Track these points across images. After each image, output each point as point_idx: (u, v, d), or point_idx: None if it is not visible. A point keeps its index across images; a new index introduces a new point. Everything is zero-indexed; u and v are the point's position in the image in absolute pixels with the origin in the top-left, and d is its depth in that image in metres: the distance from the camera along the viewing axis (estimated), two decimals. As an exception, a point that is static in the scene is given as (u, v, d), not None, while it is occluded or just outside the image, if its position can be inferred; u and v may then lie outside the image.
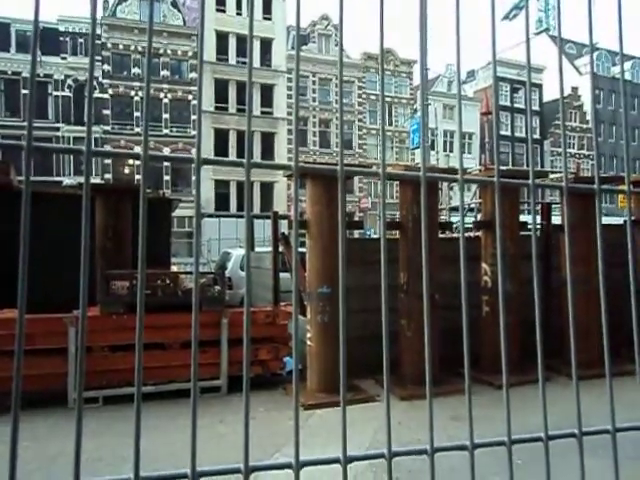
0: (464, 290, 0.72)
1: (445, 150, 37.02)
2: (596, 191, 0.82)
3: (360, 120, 36.43)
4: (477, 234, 8.29)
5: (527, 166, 38.18)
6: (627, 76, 42.47)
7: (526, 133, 40.35)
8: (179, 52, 32.02)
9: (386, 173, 0.65)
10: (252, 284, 10.22)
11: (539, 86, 40.72)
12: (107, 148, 28.42)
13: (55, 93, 30.08)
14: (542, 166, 40.09)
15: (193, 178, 31.50)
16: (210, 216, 29.21)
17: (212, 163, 0.71)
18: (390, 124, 37.77)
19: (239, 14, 33.06)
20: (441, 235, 7.73)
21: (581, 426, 0.77)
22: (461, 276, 0.75)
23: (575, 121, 42.50)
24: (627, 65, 43.21)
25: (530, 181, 0.76)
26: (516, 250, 6.79)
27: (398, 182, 8.37)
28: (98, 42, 30.98)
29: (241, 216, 21.51)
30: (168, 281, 6.32)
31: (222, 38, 32.45)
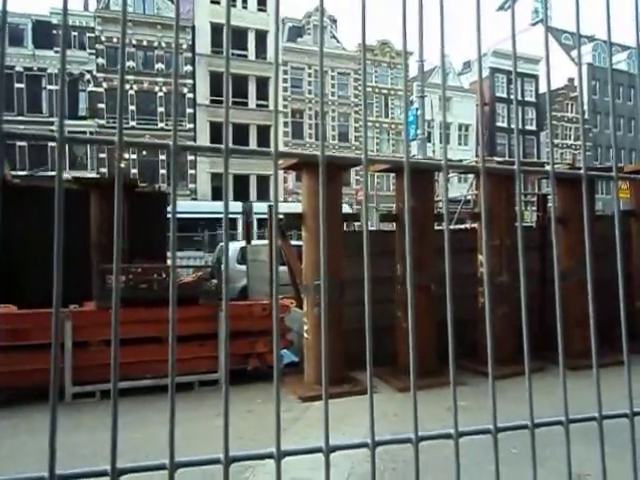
0: (449, 283, 0.71)
1: (442, 142, 36.96)
2: (583, 177, 0.81)
3: (356, 112, 36.33)
4: (473, 225, 8.30)
5: (523, 157, 38.21)
6: (624, 66, 42.44)
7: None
8: (173, 45, 31.77)
9: (368, 160, 0.64)
10: (249, 277, 10.20)
11: (535, 77, 40.64)
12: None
13: (49, 87, 29.89)
14: (539, 157, 40.09)
15: (190, 171, 31.42)
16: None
17: (188, 149, 0.70)
18: (386, 116, 37.68)
19: (234, 6, 32.82)
20: (438, 227, 7.73)
21: (567, 414, 0.77)
22: (446, 267, 0.74)
23: (572, 112, 42.46)
24: (624, 55, 43.15)
25: (515, 167, 0.75)
26: (512, 241, 6.80)
27: (395, 174, 8.35)
28: (92, 35, 30.76)
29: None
30: (164, 275, 6.31)
31: (217, 30, 32.23)
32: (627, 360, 0.82)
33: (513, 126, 39.84)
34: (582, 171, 0.83)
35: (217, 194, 31.32)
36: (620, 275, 0.85)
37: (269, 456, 0.63)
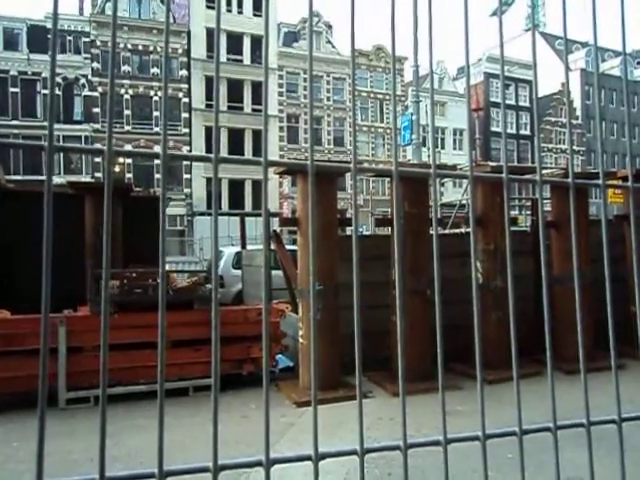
0: (438, 288, 0.72)
1: (437, 147, 37.10)
2: (570, 185, 0.82)
3: (351, 117, 36.46)
4: (468, 230, 8.33)
5: (517, 162, 38.35)
6: (618, 72, 42.77)
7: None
8: (169, 49, 31.81)
9: (357, 168, 0.65)
10: (244, 282, 10.20)
11: (529, 82, 40.89)
12: (97, 145, 28.19)
13: (44, 91, 29.84)
14: (533, 162, 40.30)
15: (185, 176, 31.39)
16: (202, 214, 29.11)
17: (178, 158, 0.70)
18: (381, 121, 37.82)
19: (229, 11, 32.93)
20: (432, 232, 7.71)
21: (556, 420, 0.77)
22: (434, 273, 0.74)
23: (566, 117, 42.74)
24: (617, 61, 43.47)
25: (504, 175, 0.76)
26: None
27: (389, 178, 8.36)
28: (87, 40, 30.76)
29: (234, 214, 21.49)
30: (159, 280, 6.29)
31: (212, 35, 32.30)
32: (614, 365, 0.83)
33: (508, 131, 40.07)
34: (570, 180, 0.84)
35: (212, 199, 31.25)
36: (608, 280, 0.86)
37: (258, 464, 0.63)
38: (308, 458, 0.67)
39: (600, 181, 0.86)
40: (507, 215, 0.84)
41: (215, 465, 0.61)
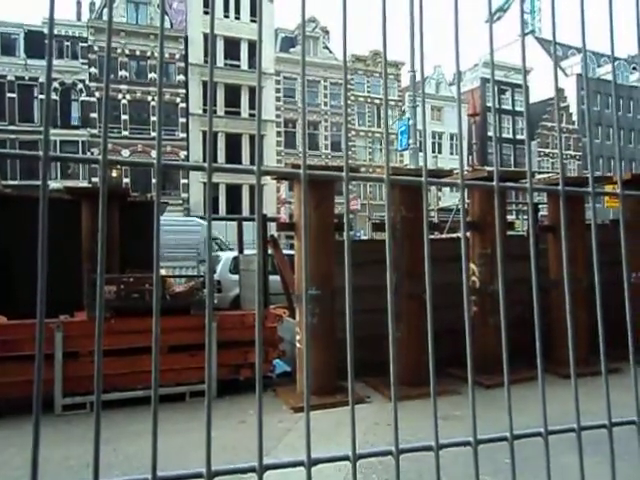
0: (429, 293, 0.72)
1: (433, 152, 37.23)
2: (560, 192, 0.83)
3: (349, 122, 36.54)
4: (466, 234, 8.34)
5: (514, 166, 38.46)
6: (611, 77, 42.94)
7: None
8: (167, 55, 31.87)
9: (350, 176, 0.65)
10: (242, 287, 10.19)
11: (526, 87, 41.04)
12: (94, 151, 28.22)
13: (41, 96, 29.86)
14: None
15: (182, 181, 31.39)
16: (200, 219, 29.04)
17: (172, 168, 0.71)
18: (379, 126, 37.91)
19: (226, 16, 33.04)
20: (431, 236, 7.72)
21: (547, 425, 0.78)
22: (426, 276, 0.75)
23: (561, 122, 42.92)
24: (611, 66, 43.66)
25: (495, 183, 0.77)
26: (504, 250, 6.82)
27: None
28: (84, 45, 30.82)
29: (231, 219, 21.46)
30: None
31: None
32: (605, 370, 0.83)
33: (504, 135, 40.23)
34: (560, 187, 0.85)
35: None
36: (597, 284, 0.87)
37: (251, 470, 0.64)
38: (301, 464, 0.67)
39: (590, 188, 0.87)
40: (498, 221, 0.85)
41: (209, 471, 0.61)
